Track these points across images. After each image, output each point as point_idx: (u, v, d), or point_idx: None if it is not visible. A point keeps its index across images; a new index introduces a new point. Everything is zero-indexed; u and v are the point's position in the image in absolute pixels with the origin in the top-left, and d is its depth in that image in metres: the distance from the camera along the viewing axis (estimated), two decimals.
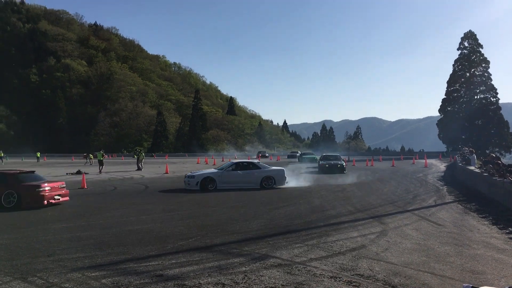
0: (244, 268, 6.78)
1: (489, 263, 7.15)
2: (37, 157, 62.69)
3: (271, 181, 19.47)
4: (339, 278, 6.25)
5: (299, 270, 6.67)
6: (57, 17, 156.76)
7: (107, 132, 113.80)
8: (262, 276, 6.37)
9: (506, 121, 68.54)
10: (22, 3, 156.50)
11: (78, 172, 31.26)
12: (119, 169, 35.21)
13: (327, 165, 29.31)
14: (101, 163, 32.88)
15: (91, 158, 49.11)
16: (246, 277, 6.30)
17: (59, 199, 14.66)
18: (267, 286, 5.93)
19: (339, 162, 29.93)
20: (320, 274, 6.44)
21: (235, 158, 65.10)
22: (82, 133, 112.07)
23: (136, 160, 35.96)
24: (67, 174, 31.16)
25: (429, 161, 41.35)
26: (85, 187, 20.84)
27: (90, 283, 6.10)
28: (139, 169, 34.56)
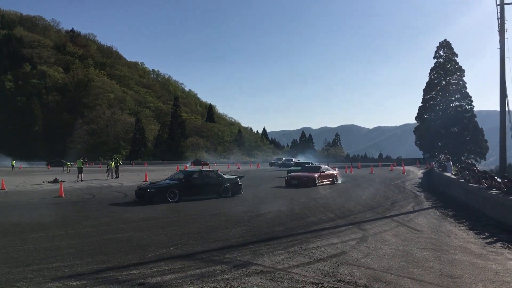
0: (226, 276, 6.79)
1: (467, 268, 7.30)
2: (12, 165, 61.37)
3: None
4: (321, 284, 6.31)
5: (281, 276, 6.71)
6: (33, 23, 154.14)
7: (84, 139, 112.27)
8: (244, 283, 6.39)
9: (481, 128, 70.00)
10: None
11: (55, 181, 30.75)
12: (97, 177, 34.78)
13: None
14: (80, 170, 32.38)
15: (68, 166, 48.33)
16: (228, 285, 6.31)
17: None
18: None
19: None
20: (302, 281, 6.48)
21: (215, 165, 64.89)
22: (59, 141, 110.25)
23: (115, 168, 35.52)
24: (43, 182, 30.63)
25: (406, 168, 41.93)
26: (63, 195, 20.52)
27: None
28: (117, 177, 34.23)
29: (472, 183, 15.21)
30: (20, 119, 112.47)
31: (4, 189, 24.83)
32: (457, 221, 12.17)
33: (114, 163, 35.90)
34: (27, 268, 7.37)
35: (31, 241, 9.71)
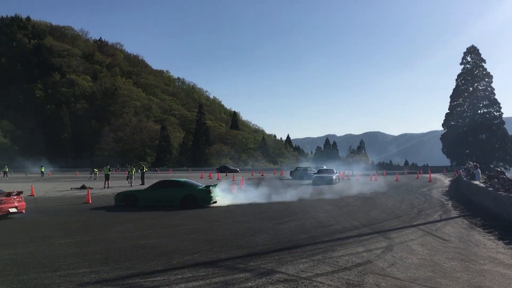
0: (250, 284, 6.78)
1: (496, 279, 7.12)
2: (41, 172, 62.77)
3: None
4: None
5: (305, 285, 6.66)
6: (62, 33, 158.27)
7: (111, 147, 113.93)
8: None
9: (510, 135, 68.41)
10: (28, 19, 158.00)
11: (83, 187, 31.28)
12: (123, 184, 35.22)
13: None
14: (107, 177, 32.91)
15: (96, 173, 49.20)
16: None
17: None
18: None
19: None
20: None
21: (239, 172, 65.03)
22: (86, 148, 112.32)
23: (140, 175, 35.99)
24: (71, 189, 31.19)
25: (433, 175, 41.22)
26: (90, 202, 20.87)
27: None
28: (142, 183, 34.62)
29: (502, 191, 14.83)
30: (50, 127, 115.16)
31: (33, 195, 25.40)
32: (486, 231, 11.88)
33: (140, 170, 36.40)
34: (54, 273, 7.52)
35: (58, 247, 9.90)
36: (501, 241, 10.39)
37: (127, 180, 35.23)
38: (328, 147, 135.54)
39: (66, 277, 7.24)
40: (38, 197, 24.62)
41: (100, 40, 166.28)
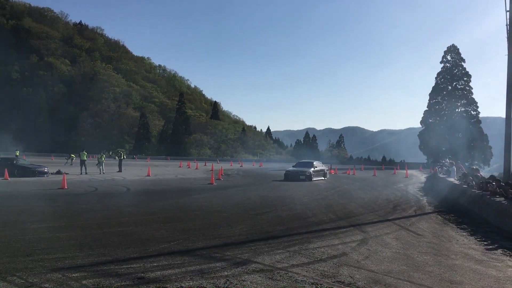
0: (226, 273, 6.79)
1: (467, 274, 7.28)
2: (16, 156, 61.46)
3: None
4: (320, 284, 6.30)
5: (280, 276, 6.71)
6: (41, 15, 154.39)
7: (89, 132, 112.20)
8: (243, 281, 6.39)
9: (486, 134, 69.80)
10: None
11: (58, 172, 30.82)
12: (96, 171, 34.77)
13: None
14: (83, 163, 32.45)
15: (73, 158, 48.47)
16: (228, 282, 6.31)
17: None
18: None
19: None
20: (301, 280, 6.48)
21: (218, 162, 64.85)
22: (63, 133, 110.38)
23: (117, 161, 35.69)
24: None
25: (410, 171, 41.84)
26: (66, 187, 20.58)
27: (70, 284, 6.04)
28: (119, 171, 34.30)
29: (476, 189, 15.16)
30: (26, 110, 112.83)
31: (7, 179, 24.94)
32: (459, 227, 12.13)
33: (118, 157, 36.12)
34: (27, 258, 7.41)
35: (32, 232, 9.75)
36: (473, 237, 10.62)
37: (98, 166, 34.20)
38: (308, 140, 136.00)
39: (39, 262, 7.14)
40: (11, 181, 24.19)
41: (80, 23, 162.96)
